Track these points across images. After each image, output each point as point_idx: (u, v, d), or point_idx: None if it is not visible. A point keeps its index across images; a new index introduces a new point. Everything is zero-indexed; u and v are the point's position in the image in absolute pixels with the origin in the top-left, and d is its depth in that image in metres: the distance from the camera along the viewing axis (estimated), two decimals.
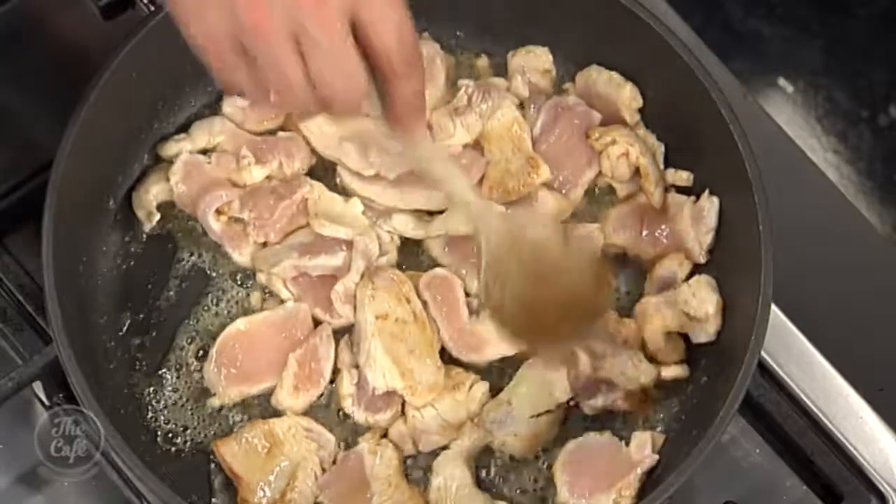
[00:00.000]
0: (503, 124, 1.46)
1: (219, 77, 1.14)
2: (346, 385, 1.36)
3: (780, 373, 1.45)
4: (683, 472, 1.24)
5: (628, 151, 1.44)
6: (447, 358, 1.38)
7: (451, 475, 1.33)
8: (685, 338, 1.40)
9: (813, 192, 1.62)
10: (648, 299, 1.39)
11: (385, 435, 1.36)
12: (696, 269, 1.41)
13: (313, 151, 1.47)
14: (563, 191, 1.45)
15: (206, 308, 1.42)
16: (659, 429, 1.37)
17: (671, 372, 1.37)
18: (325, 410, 1.38)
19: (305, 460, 1.33)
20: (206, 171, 1.44)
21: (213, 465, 1.34)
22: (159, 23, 1.37)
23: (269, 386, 1.37)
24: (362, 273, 1.39)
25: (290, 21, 1.07)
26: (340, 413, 1.37)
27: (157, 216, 1.44)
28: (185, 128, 1.47)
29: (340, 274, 1.39)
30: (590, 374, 1.35)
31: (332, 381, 1.38)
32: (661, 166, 1.46)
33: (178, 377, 1.38)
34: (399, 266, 1.42)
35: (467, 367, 1.39)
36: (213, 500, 1.34)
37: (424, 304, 1.39)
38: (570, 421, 1.38)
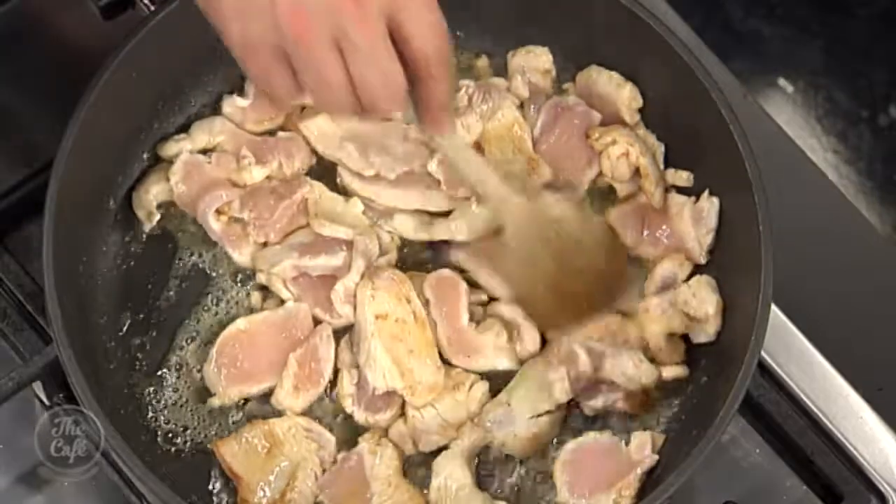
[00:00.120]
0: (504, 125, 1.46)
1: (257, 82, 1.14)
2: (346, 385, 1.36)
3: (780, 373, 1.45)
4: (683, 472, 1.25)
5: (628, 151, 1.44)
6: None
7: (451, 475, 1.33)
8: (685, 338, 1.40)
9: (813, 192, 1.62)
10: (650, 300, 1.39)
11: (385, 435, 1.36)
12: (697, 269, 1.41)
13: (313, 151, 1.47)
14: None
15: (206, 308, 1.42)
16: (659, 429, 1.37)
17: (672, 372, 1.38)
18: (325, 410, 1.38)
19: (305, 460, 1.33)
20: (206, 171, 1.44)
21: (213, 465, 1.34)
22: (159, 23, 1.37)
23: (269, 386, 1.37)
24: (362, 273, 1.39)
25: (332, 27, 1.07)
26: (340, 413, 1.37)
27: (157, 216, 1.44)
28: (185, 128, 1.47)
29: (340, 274, 1.39)
30: (590, 374, 1.35)
31: (332, 381, 1.38)
32: (661, 166, 1.46)
33: (178, 377, 1.38)
34: (399, 266, 1.42)
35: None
36: (213, 500, 1.34)
37: (427, 303, 1.39)
38: (569, 421, 1.38)
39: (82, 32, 1.51)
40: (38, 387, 1.35)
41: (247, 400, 1.37)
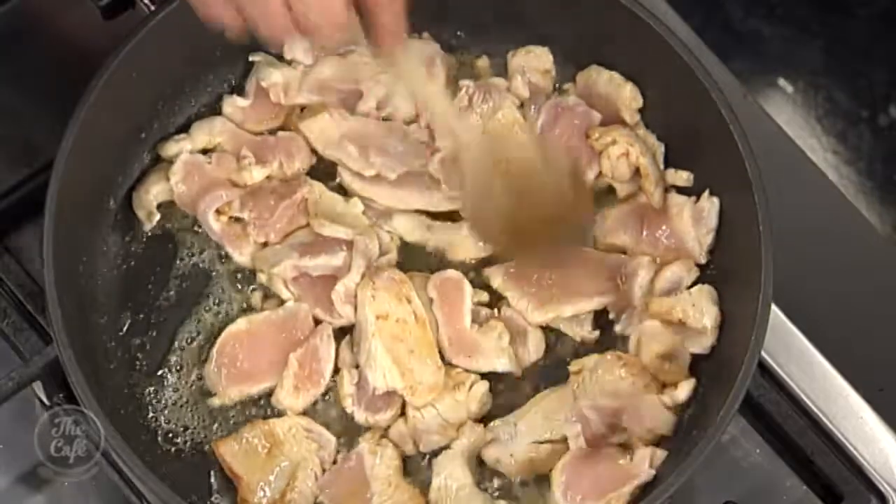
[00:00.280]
0: (504, 125, 1.46)
1: (201, 11, 1.15)
2: (347, 385, 1.36)
3: (780, 373, 1.45)
4: (683, 472, 1.24)
5: (628, 151, 1.44)
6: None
7: (451, 475, 1.33)
8: None
9: (813, 192, 1.62)
10: (643, 326, 1.38)
11: (385, 435, 1.36)
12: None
13: (313, 151, 1.47)
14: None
15: (206, 308, 1.42)
16: None
17: (683, 393, 1.34)
18: (325, 411, 1.38)
19: (305, 460, 1.33)
20: (207, 171, 1.44)
21: (213, 466, 1.34)
22: (159, 23, 1.37)
23: (269, 386, 1.37)
24: (363, 273, 1.39)
25: None
26: (341, 413, 1.37)
27: (157, 216, 1.44)
28: (185, 128, 1.47)
29: (341, 274, 1.39)
30: (605, 431, 1.34)
31: (332, 381, 1.38)
32: (661, 166, 1.46)
33: (178, 377, 1.38)
34: (400, 266, 1.42)
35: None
36: (213, 500, 1.34)
37: (430, 301, 1.39)
38: None
39: (82, 32, 1.51)
40: (38, 387, 1.35)
41: (247, 400, 1.37)
